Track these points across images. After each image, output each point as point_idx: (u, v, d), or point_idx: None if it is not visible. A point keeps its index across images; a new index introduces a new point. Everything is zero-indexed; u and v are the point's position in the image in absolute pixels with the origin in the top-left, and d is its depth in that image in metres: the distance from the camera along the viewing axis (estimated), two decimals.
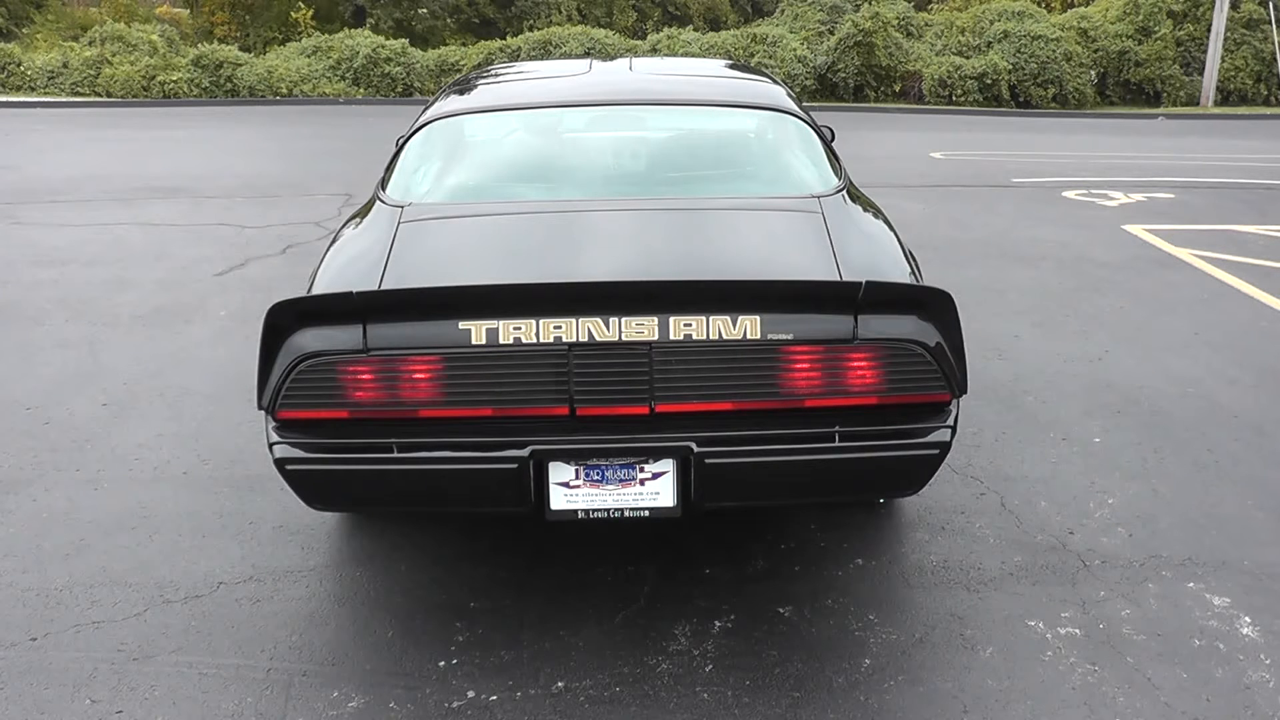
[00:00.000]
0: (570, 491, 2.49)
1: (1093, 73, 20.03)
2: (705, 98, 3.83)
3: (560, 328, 2.37)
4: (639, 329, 2.37)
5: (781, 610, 2.83)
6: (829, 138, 3.90)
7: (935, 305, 2.47)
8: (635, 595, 2.89)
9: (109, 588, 2.93)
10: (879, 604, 2.87)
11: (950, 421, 2.53)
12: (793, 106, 3.70)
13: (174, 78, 18.37)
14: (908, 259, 2.98)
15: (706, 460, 2.43)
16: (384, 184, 3.33)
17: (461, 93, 3.83)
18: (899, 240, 3.09)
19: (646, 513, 2.52)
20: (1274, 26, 19.91)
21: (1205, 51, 19.76)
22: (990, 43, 19.94)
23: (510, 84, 4.07)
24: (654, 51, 20.12)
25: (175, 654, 2.64)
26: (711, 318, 2.39)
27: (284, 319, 2.41)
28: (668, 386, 2.41)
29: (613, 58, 5.43)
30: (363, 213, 3.26)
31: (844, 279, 2.65)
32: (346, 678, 2.56)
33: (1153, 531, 3.27)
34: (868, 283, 2.42)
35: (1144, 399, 4.35)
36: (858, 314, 2.42)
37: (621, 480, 2.49)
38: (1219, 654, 2.66)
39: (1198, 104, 19.82)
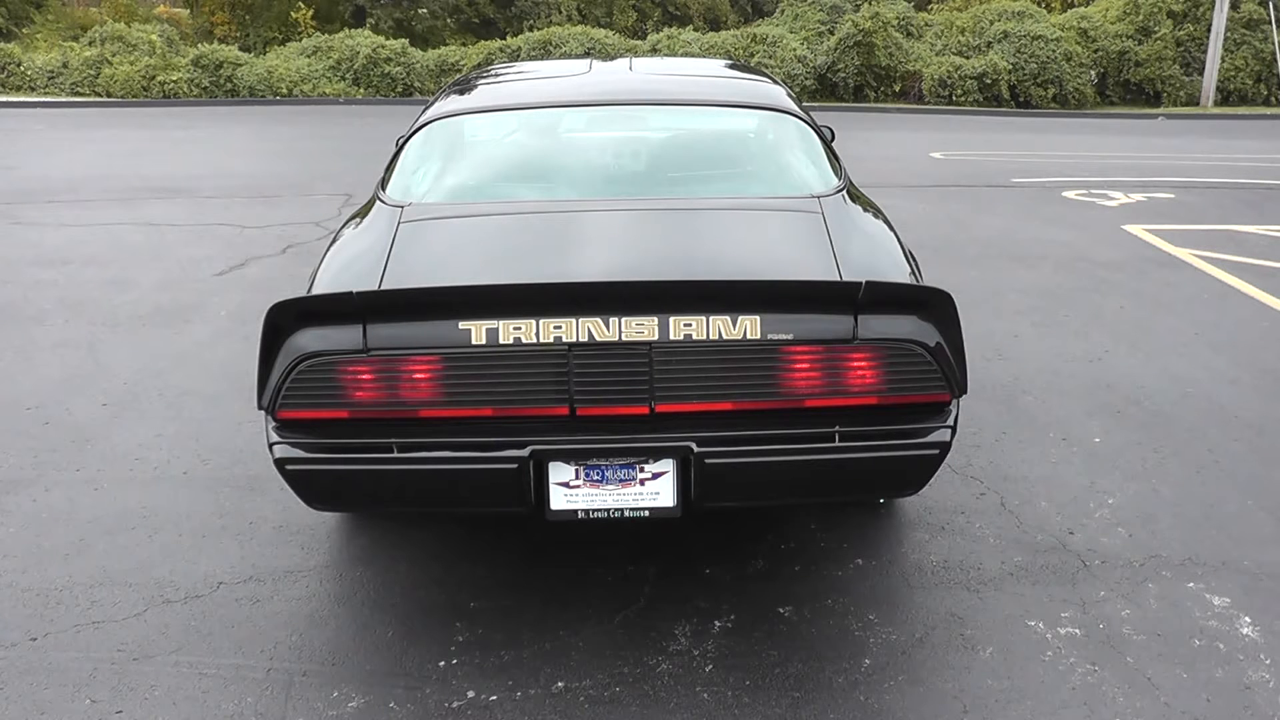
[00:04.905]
0: (570, 491, 2.49)
1: (1093, 73, 20.02)
2: (705, 97, 3.84)
3: (560, 328, 2.37)
4: (639, 329, 2.37)
5: (781, 610, 2.83)
6: (829, 138, 3.90)
7: (935, 305, 2.47)
8: (635, 595, 2.89)
9: (109, 588, 2.93)
10: (879, 604, 2.87)
11: (950, 421, 2.53)
12: (793, 106, 3.70)
13: (174, 78, 18.36)
14: (908, 259, 2.98)
15: (706, 460, 2.43)
16: (384, 184, 3.33)
17: (461, 93, 3.83)
18: (899, 240, 3.09)
19: (646, 513, 2.52)
20: (1274, 26, 19.90)
21: (1205, 51, 19.75)
22: (990, 43, 19.92)
23: (510, 84, 4.07)
24: (654, 51, 20.10)
25: (175, 654, 2.64)
26: (711, 318, 2.39)
27: (284, 319, 2.41)
28: (668, 386, 2.41)
29: (613, 58, 5.43)
30: (363, 213, 3.26)
31: (844, 279, 2.65)
32: (346, 678, 2.56)
33: (1153, 531, 3.27)
34: (868, 283, 2.42)
35: (1144, 399, 4.35)
36: (858, 314, 2.42)
37: (621, 480, 2.49)
38: (1219, 654, 2.66)
39: (1198, 104, 19.81)
